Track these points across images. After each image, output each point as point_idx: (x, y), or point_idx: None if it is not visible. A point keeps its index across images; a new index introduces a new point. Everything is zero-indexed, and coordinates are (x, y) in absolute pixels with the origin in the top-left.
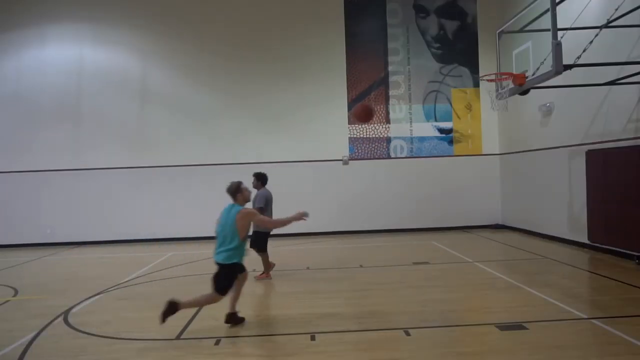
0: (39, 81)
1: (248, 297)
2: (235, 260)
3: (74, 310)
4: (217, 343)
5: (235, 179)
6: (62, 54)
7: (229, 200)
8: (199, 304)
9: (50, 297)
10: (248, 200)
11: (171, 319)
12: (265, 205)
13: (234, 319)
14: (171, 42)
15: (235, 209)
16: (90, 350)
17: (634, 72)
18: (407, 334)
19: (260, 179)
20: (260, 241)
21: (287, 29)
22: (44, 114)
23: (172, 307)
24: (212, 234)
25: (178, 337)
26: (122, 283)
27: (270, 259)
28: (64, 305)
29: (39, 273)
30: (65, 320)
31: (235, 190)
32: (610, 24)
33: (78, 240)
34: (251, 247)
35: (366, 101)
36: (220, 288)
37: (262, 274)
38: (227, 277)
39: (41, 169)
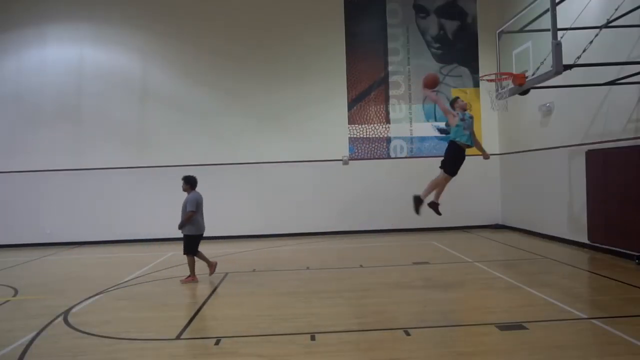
0: (39, 81)
1: (248, 297)
2: (450, 138)
3: (73, 310)
4: (217, 343)
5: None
6: (62, 54)
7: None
8: (433, 187)
9: (50, 297)
10: (465, 109)
11: (171, 319)
12: (196, 209)
13: (433, 206)
14: (171, 42)
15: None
16: (90, 350)
17: (634, 72)
18: (407, 334)
19: (189, 182)
20: (190, 244)
21: (287, 29)
22: (44, 114)
23: (418, 200)
24: (213, 234)
25: (178, 337)
26: (122, 283)
27: (270, 259)
28: (64, 305)
29: (38, 273)
30: (65, 320)
31: (453, 102)
32: (610, 24)
33: (78, 240)
34: (184, 252)
35: (365, 101)
36: (442, 166)
37: (188, 277)
38: (445, 153)
39: (41, 169)
